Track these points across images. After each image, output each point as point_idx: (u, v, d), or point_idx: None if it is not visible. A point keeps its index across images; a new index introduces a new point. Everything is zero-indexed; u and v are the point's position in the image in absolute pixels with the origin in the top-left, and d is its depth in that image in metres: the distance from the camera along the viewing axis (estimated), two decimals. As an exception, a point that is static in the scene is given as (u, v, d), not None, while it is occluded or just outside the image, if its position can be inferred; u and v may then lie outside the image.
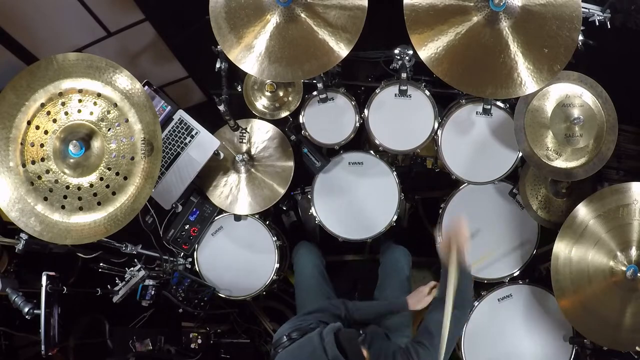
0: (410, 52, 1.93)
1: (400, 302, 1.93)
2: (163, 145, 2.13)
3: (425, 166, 2.42)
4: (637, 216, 1.89)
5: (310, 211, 2.29)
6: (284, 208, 2.59)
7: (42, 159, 1.73)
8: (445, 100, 2.22)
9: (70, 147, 1.71)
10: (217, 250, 2.33)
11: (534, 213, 2.17)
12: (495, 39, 1.70)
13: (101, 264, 2.08)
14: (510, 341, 2.20)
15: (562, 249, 1.93)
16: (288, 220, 2.71)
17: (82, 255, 2.06)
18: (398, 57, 1.97)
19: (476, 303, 2.20)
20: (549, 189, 2.17)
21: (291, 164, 2.27)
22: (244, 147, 2.30)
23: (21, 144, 1.72)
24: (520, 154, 2.06)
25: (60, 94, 1.74)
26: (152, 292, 2.15)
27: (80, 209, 1.73)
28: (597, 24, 1.93)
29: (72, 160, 1.73)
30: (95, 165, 1.74)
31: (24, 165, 1.72)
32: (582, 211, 1.93)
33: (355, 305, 1.85)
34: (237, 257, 2.33)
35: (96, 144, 1.75)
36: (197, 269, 2.32)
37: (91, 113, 1.75)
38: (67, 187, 1.73)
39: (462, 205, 2.27)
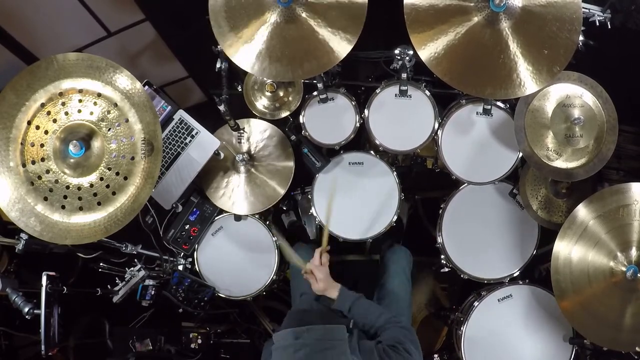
0: (411, 52, 1.93)
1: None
2: (163, 145, 2.14)
3: (425, 166, 2.42)
4: (637, 216, 1.89)
5: (310, 211, 2.29)
6: (284, 208, 2.59)
7: (42, 159, 1.73)
8: (445, 101, 2.22)
9: (71, 147, 1.71)
10: (217, 250, 2.33)
11: (534, 213, 2.17)
12: (495, 40, 1.70)
13: (101, 264, 2.08)
14: (510, 341, 2.20)
15: (562, 249, 1.93)
16: (288, 220, 2.71)
17: (82, 255, 2.06)
18: (398, 57, 1.97)
19: (476, 303, 2.21)
20: (549, 189, 2.17)
21: (291, 162, 2.27)
22: (244, 147, 2.30)
23: (21, 144, 1.72)
24: (521, 154, 2.06)
25: (61, 94, 1.74)
26: (152, 292, 2.15)
27: (80, 209, 1.73)
28: (598, 24, 1.92)
29: (72, 160, 1.73)
30: (95, 165, 1.74)
31: (24, 165, 1.72)
32: (582, 211, 1.93)
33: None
34: (237, 257, 2.33)
35: (96, 144, 1.75)
36: (197, 269, 2.32)
37: (91, 113, 1.75)
38: (67, 187, 1.73)
39: (462, 206, 2.27)
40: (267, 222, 2.35)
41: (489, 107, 2.06)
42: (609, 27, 1.94)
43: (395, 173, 2.25)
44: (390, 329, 1.71)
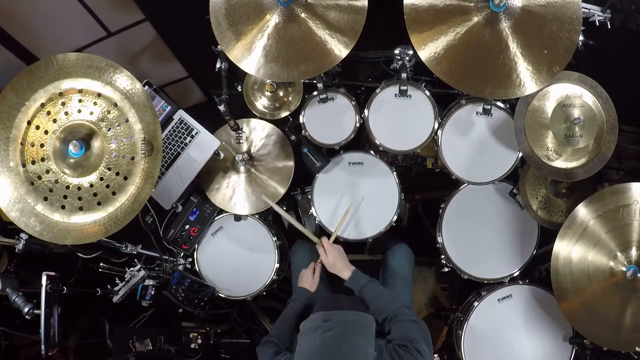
0: (410, 52, 1.93)
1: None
2: (163, 145, 2.14)
3: (425, 166, 2.42)
4: (637, 216, 1.89)
5: (310, 211, 2.29)
6: (284, 208, 2.59)
7: (42, 159, 1.73)
8: (445, 100, 2.22)
9: (70, 147, 1.71)
10: (217, 250, 2.33)
11: (534, 213, 2.17)
12: (495, 40, 1.70)
13: (101, 264, 2.08)
14: (510, 341, 2.20)
15: (562, 249, 1.93)
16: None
17: (82, 255, 2.05)
18: (398, 57, 1.97)
19: (476, 303, 2.21)
20: (549, 189, 2.17)
21: (291, 161, 2.27)
22: (244, 147, 2.30)
23: (21, 144, 1.71)
24: (520, 154, 2.06)
25: (60, 94, 1.74)
26: (152, 292, 2.15)
27: (80, 209, 1.73)
28: (598, 24, 1.92)
29: (72, 160, 1.73)
30: (95, 165, 1.74)
31: (24, 165, 1.72)
32: (582, 211, 1.93)
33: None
34: (237, 257, 2.33)
35: (96, 144, 1.75)
36: (197, 269, 2.32)
37: (91, 113, 1.75)
38: (67, 187, 1.73)
39: (462, 205, 2.27)
40: (267, 222, 2.35)
41: (488, 107, 2.06)
42: (609, 27, 1.94)
43: (395, 173, 2.25)
44: (402, 322, 1.71)
